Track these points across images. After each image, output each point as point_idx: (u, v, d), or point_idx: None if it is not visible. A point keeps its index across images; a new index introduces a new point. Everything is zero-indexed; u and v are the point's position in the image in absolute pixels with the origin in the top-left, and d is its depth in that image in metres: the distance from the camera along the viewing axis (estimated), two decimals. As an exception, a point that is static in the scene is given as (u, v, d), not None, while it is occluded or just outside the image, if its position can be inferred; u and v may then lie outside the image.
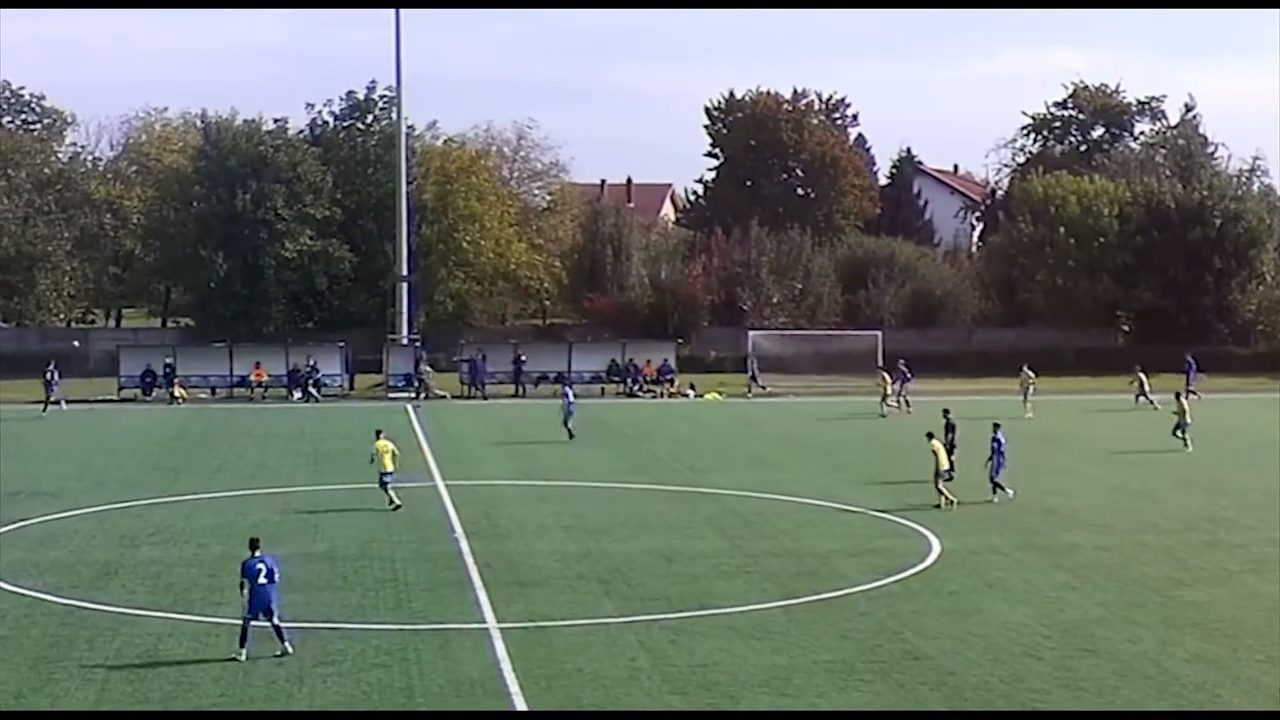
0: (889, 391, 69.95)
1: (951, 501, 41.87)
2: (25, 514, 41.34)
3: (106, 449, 56.86)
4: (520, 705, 23.83)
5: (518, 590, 31.80)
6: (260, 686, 24.72)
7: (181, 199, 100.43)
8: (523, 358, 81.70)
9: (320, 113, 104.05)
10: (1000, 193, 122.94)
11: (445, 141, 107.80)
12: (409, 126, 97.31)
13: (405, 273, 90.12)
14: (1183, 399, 56.50)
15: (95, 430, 63.51)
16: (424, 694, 24.43)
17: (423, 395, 78.04)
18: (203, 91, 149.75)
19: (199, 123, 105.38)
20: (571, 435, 58.45)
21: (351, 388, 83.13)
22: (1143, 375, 72.14)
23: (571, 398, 61.49)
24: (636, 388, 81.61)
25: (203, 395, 79.05)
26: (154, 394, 77.60)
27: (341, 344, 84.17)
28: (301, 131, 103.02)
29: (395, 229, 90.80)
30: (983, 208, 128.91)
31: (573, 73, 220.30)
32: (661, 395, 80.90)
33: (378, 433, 43.80)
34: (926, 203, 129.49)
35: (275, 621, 26.40)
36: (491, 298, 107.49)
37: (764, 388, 78.08)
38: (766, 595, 31.48)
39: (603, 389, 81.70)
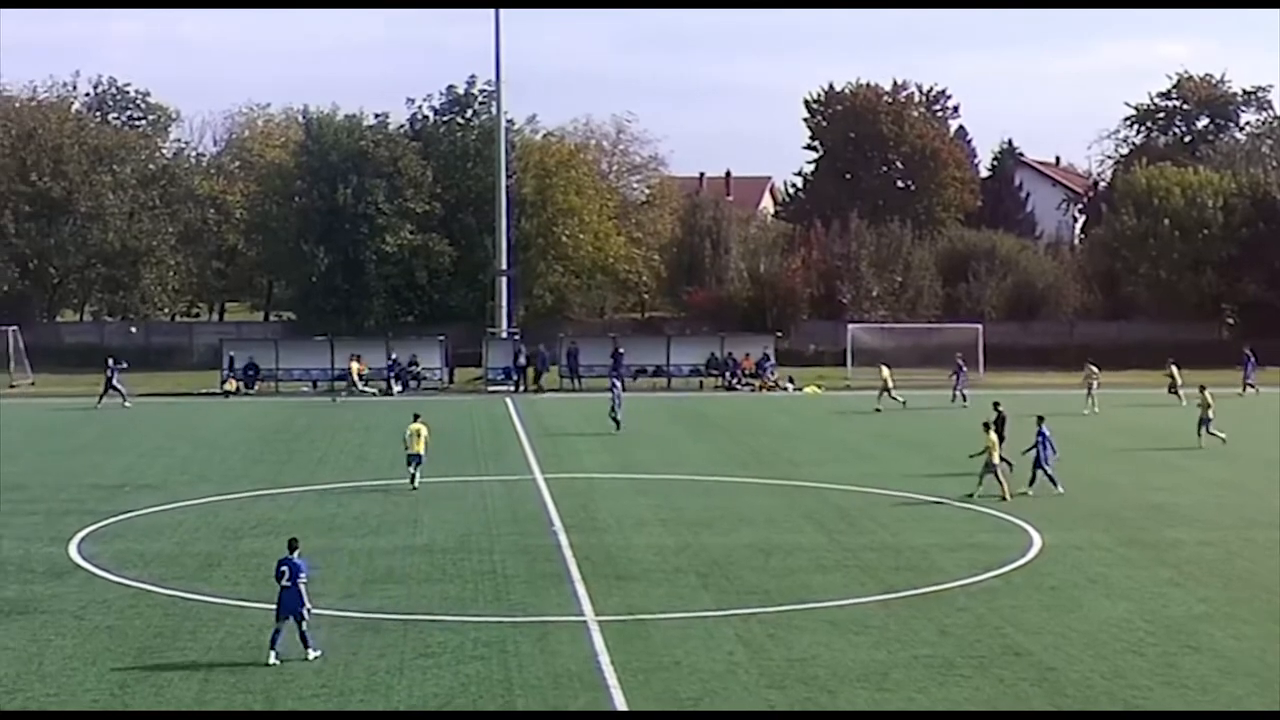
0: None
1: (1004, 494, 41.96)
2: (130, 506, 41.85)
3: (209, 442, 57.43)
4: (618, 698, 23.87)
5: (616, 583, 31.86)
6: (360, 678, 24.89)
7: (283, 194, 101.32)
8: (621, 351, 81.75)
9: (420, 108, 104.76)
10: (1103, 185, 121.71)
11: (544, 135, 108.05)
12: (508, 121, 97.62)
13: (505, 266, 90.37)
14: (1207, 392, 54.89)
15: (198, 423, 64.14)
16: (522, 686, 24.51)
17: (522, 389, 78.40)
18: (305, 87, 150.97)
19: (301, 118, 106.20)
20: (619, 426, 58.86)
21: (451, 381, 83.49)
22: (1175, 369, 70.85)
23: (620, 389, 62.22)
24: (735, 381, 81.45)
25: (304, 389, 79.65)
26: (256, 387, 78.27)
27: (441, 337, 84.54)
28: (402, 126, 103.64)
29: (495, 223, 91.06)
30: (1085, 200, 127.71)
31: (672, 66, 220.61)
32: (760, 389, 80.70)
33: (415, 415, 45.70)
34: (1028, 195, 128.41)
35: (303, 627, 25.85)
36: (590, 291, 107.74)
37: (900, 401, 74.35)
38: (865, 590, 31.36)
39: (701, 382, 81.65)
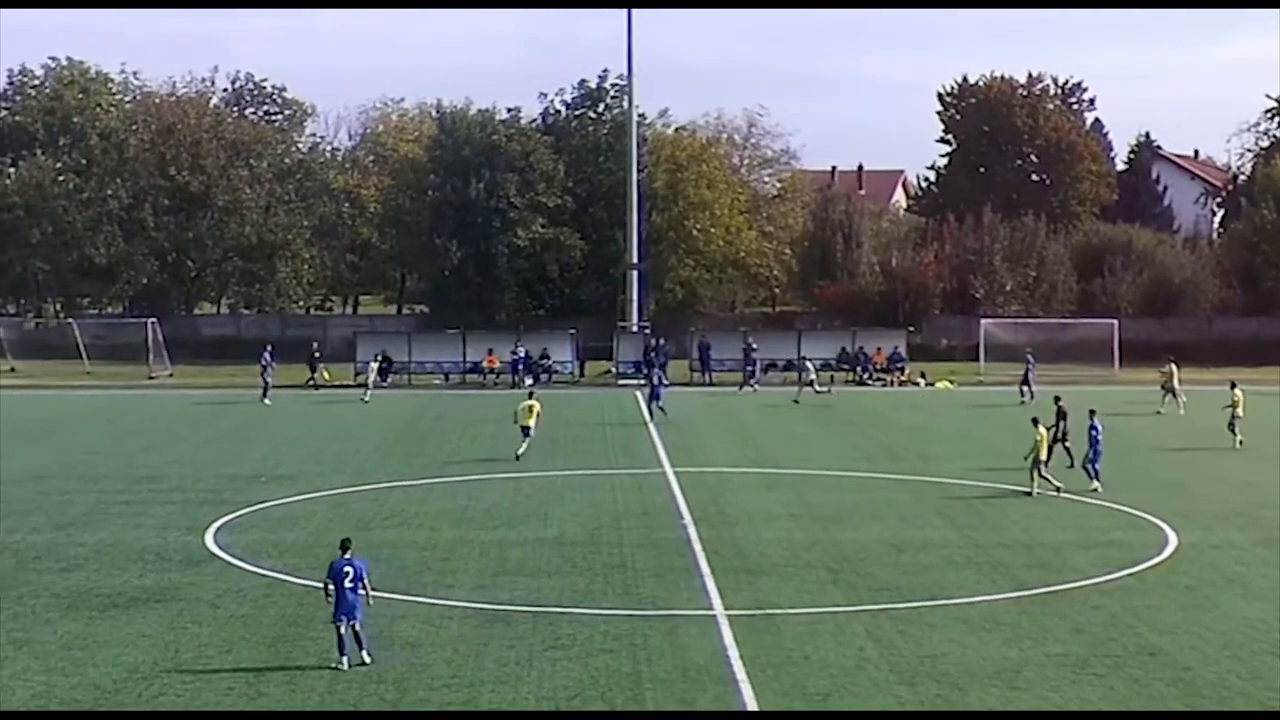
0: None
1: (1058, 489, 41.82)
2: (265, 496, 42.35)
3: (343, 434, 57.99)
4: (747, 692, 23.81)
5: (745, 577, 31.79)
6: (491, 669, 25.01)
7: (417, 188, 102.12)
8: (753, 345, 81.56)
9: (553, 102, 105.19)
10: (1242, 178, 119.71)
11: (676, 129, 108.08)
12: (640, 115, 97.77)
13: (636, 260, 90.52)
14: (1237, 390, 53.79)
15: (332, 415, 64.79)
16: (651, 680, 24.52)
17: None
18: (438, 82, 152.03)
19: (434, 113, 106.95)
20: (652, 416, 59.61)
21: (582, 374, 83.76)
22: (1174, 367, 69.46)
23: (663, 379, 63.48)
24: (866, 376, 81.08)
25: (436, 381, 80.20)
26: (389, 380, 78.89)
27: (572, 331, 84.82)
28: (534, 120, 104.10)
29: (626, 217, 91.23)
30: (1224, 193, 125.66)
31: (805, 59, 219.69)
32: (892, 383, 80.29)
33: (530, 393, 50.19)
34: (1165, 188, 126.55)
35: (356, 628, 25.38)
36: (721, 285, 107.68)
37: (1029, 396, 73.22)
38: (997, 587, 31.09)
39: (832, 377, 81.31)
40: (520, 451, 48.93)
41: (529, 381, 78.59)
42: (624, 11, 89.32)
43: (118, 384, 79.65)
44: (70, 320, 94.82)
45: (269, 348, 73.49)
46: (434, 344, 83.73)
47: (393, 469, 48.05)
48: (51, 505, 41.14)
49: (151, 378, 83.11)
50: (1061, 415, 46.76)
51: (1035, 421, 43.10)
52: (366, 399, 69.33)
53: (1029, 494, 41.87)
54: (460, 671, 24.88)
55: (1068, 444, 46.19)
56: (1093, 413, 44.32)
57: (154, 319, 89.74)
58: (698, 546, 35.00)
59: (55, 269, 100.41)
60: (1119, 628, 27.70)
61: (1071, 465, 45.15)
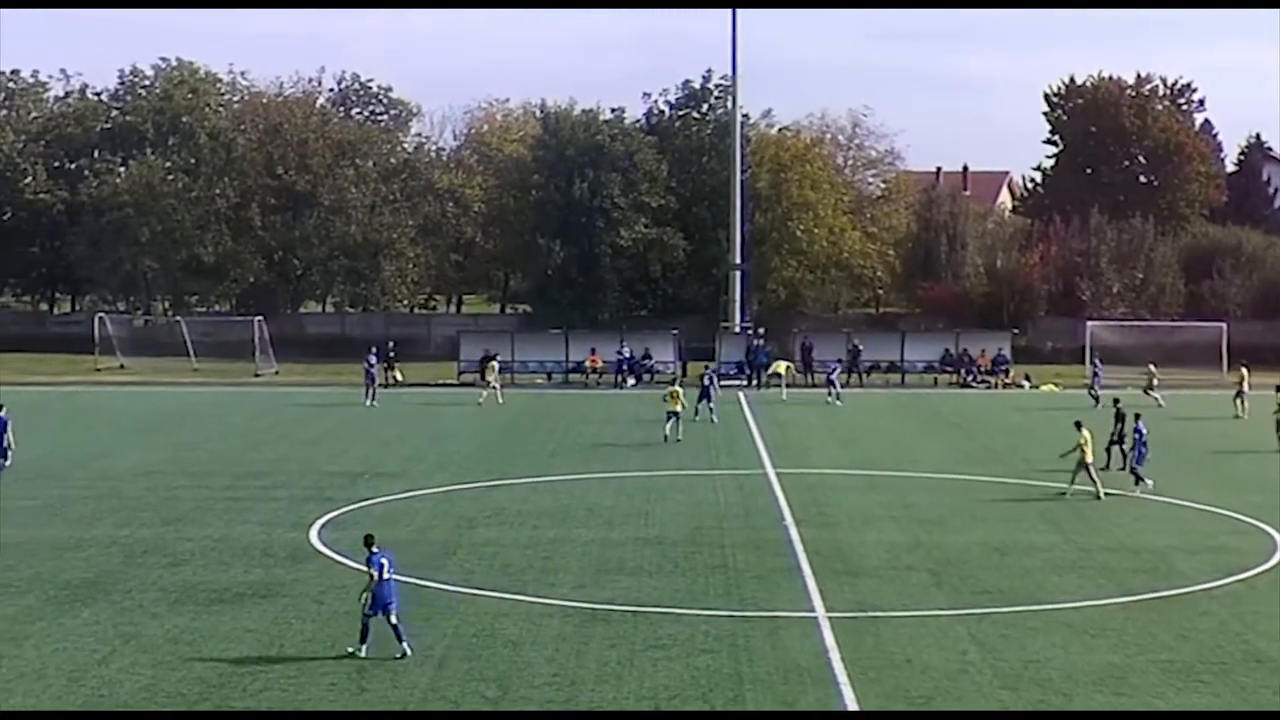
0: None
1: (1099, 494, 41.56)
2: (370, 494, 42.64)
3: (447, 432, 58.27)
4: (848, 695, 23.72)
5: (847, 579, 31.67)
6: (592, 668, 25.05)
7: (521, 188, 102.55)
8: (859, 346, 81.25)
9: (656, 102, 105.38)
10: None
11: (780, 129, 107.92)
12: (744, 115, 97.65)
13: (738, 261, 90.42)
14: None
15: (436, 414, 65.12)
16: (752, 681, 24.47)
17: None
18: (542, 82, 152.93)
19: (538, 113, 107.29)
20: (696, 414, 59.36)
21: (684, 374, 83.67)
22: (1153, 366, 68.39)
23: (716, 383, 63.80)
24: (970, 378, 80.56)
25: (539, 381, 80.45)
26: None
27: (674, 331, 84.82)
28: (638, 121, 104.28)
29: (729, 217, 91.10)
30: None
31: (910, 59, 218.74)
32: (996, 386, 79.74)
33: (673, 379, 52.38)
34: (1276, 190, 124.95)
35: (394, 620, 25.64)
36: (824, 286, 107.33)
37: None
38: (1102, 591, 30.78)
39: (935, 379, 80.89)
40: (669, 432, 53.56)
41: (631, 382, 78.75)
42: (729, 11, 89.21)
43: (224, 381, 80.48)
44: (178, 318, 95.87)
45: (374, 349, 73.92)
46: (537, 343, 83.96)
47: (495, 467, 48.23)
48: (159, 501, 41.64)
49: (257, 375, 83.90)
50: (1119, 418, 46.68)
51: (1079, 425, 42.96)
52: (483, 400, 68.79)
53: (1063, 494, 42.01)
54: (561, 670, 24.94)
55: (1124, 447, 45.87)
56: (1138, 416, 44.62)
57: (260, 317, 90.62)
58: (799, 547, 34.90)
59: (164, 267, 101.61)
60: (1226, 634, 27.36)
61: (1123, 468, 44.76)
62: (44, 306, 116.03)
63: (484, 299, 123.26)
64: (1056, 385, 79.43)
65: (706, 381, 63.09)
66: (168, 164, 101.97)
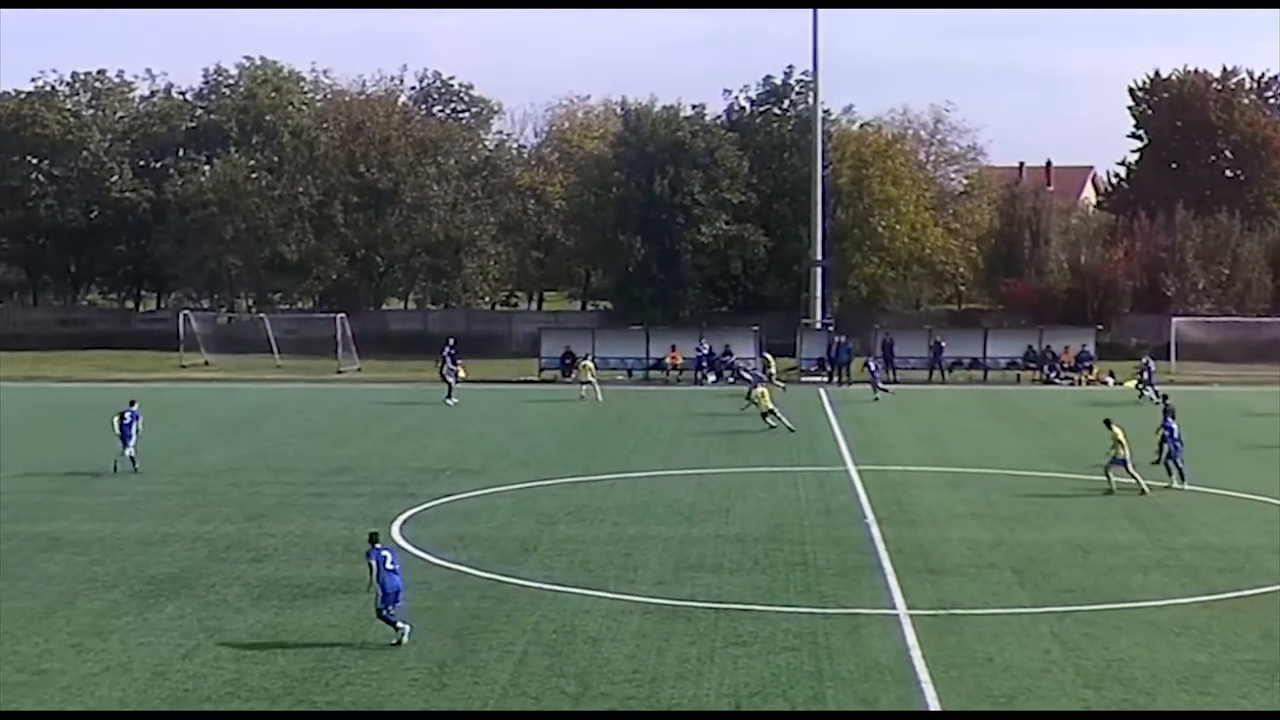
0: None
1: (1142, 489, 41.50)
2: (451, 490, 42.80)
3: (528, 429, 58.40)
4: (929, 693, 23.61)
5: (928, 577, 31.52)
6: (672, 664, 25.04)
7: (601, 185, 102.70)
8: (941, 343, 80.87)
9: (737, 98, 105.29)
10: None
11: (861, 125, 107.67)
12: (825, 111, 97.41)
13: (819, 257, 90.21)
14: None
15: (517, 410, 65.28)
16: (833, 678, 24.40)
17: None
18: (623, 79, 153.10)
19: (619, 110, 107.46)
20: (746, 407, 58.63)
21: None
22: (1149, 361, 68.01)
23: (760, 377, 64.82)
24: (1053, 375, 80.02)
25: (619, 377, 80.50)
26: (572, 375, 79.28)
27: (755, 328, 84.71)
28: (719, 117, 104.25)
29: (810, 213, 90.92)
30: None
31: (992, 54, 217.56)
32: (1079, 383, 79.17)
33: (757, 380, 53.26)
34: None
35: (397, 607, 26.24)
36: (906, 282, 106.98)
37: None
38: (1186, 590, 30.50)
39: (1018, 375, 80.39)
40: (775, 424, 55.03)
41: (712, 379, 78.70)
42: (809, 11, 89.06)
43: (307, 378, 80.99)
44: (262, 315, 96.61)
45: (450, 344, 74.06)
46: (618, 340, 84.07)
47: (576, 464, 48.30)
48: (243, 497, 41.97)
49: (340, 372, 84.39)
50: (1169, 414, 46.26)
51: (1108, 422, 42.95)
52: (585, 395, 68.84)
53: (1109, 491, 41.77)
54: (642, 667, 24.95)
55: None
56: (1168, 413, 44.85)
57: (343, 314, 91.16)
58: (880, 545, 34.76)
59: (248, 265, 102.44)
60: (1313, 634, 27.05)
61: (1157, 461, 44.31)
62: (130, 304, 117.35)
63: (565, 296, 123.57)
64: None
65: (752, 379, 63.85)
66: (251, 162, 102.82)
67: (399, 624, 26.19)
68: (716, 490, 42.92)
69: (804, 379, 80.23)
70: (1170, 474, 43.10)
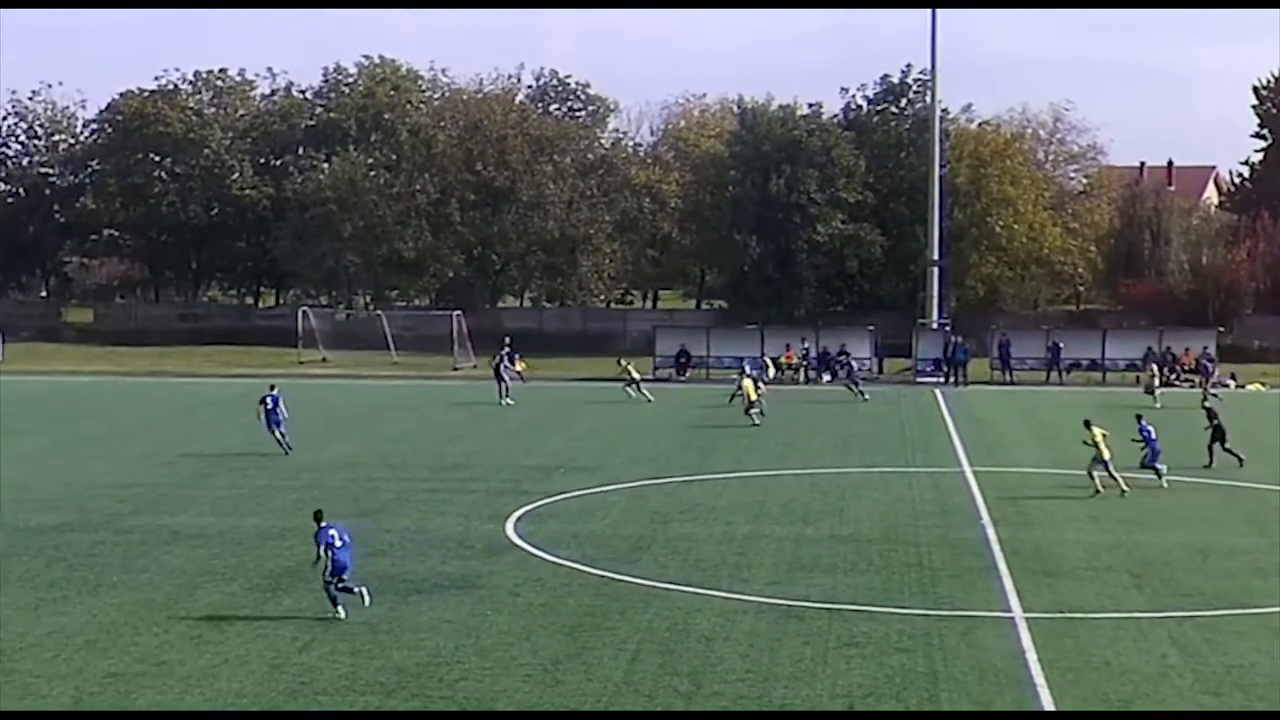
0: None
1: (1123, 490, 41.36)
2: (564, 487, 42.94)
3: (641, 427, 58.48)
4: (1044, 696, 23.37)
5: (1045, 579, 31.21)
6: (785, 665, 24.96)
7: (717, 183, 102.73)
8: (1059, 344, 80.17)
9: (854, 97, 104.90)
10: None
11: (979, 124, 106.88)
12: (943, 109, 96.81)
13: (936, 257, 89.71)
14: None
15: (630, 409, 65.38)
16: (947, 680, 24.23)
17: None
18: (740, 77, 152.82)
19: (735, 108, 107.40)
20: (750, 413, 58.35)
21: (880, 371, 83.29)
22: (1155, 368, 68.18)
23: (757, 372, 66.44)
24: (1174, 377, 79.06)
25: (733, 376, 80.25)
26: (687, 374, 79.36)
27: (870, 327, 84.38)
28: (835, 116, 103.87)
29: (927, 213, 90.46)
30: None
31: (1113, 52, 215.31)
32: (1199, 385, 78.12)
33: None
34: None
35: (346, 581, 27.65)
36: (1023, 283, 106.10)
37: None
38: (1308, 596, 30.03)
39: (1137, 377, 79.47)
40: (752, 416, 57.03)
41: (827, 378, 78.50)
42: (929, 11, 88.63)
43: (423, 375, 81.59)
44: (379, 312, 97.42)
45: (508, 342, 74.26)
46: (732, 339, 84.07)
47: (689, 462, 48.30)
48: (360, 492, 42.33)
49: (456, 369, 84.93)
50: (1212, 417, 46.59)
51: (1088, 423, 42.58)
52: (632, 394, 68.92)
53: (1096, 492, 41.34)
54: (755, 666, 24.89)
55: (1227, 446, 46.52)
56: (1139, 416, 44.78)
57: (459, 311, 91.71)
58: (996, 547, 34.49)
59: (366, 262, 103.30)
60: None
61: (1209, 465, 45.21)
62: (249, 300, 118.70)
63: (679, 294, 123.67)
64: (1263, 385, 77.72)
65: (752, 369, 65.91)
66: (370, 160, 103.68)
67: (356, 590, 27.73)
68: (830, 490, 42.78)
69: (919, 379, 79.82)
70: (1160, 475, 42.89)
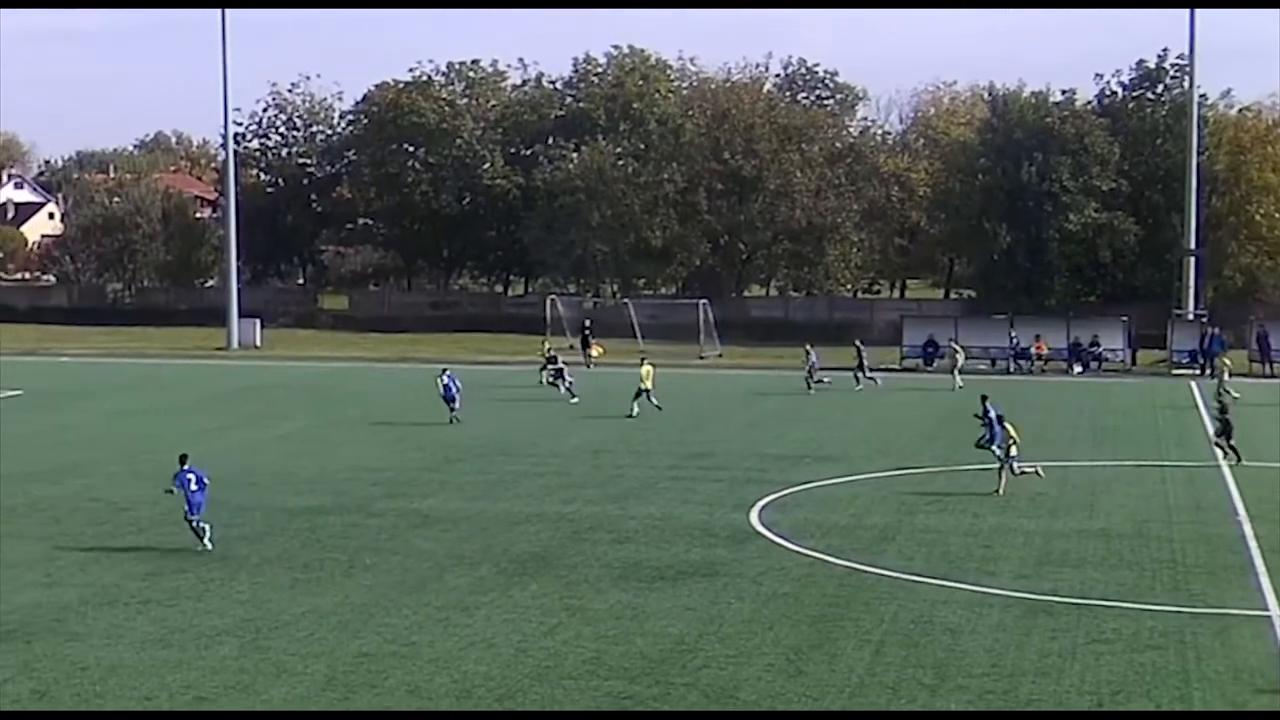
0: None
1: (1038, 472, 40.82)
2: (810, 477, 42.82)
3: (890, 417, 58.08)
4: (1303, 699, 22.74)
5: (1305, 579, 30.35)
6: (1032, 660, 24.60)
7: (967, 171, 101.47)
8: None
9: (1109, 83, 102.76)
10: None
11: (1239, 110, 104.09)
12: (1201, 95, 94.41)
13: (1193, 246, 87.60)
14: None
15: (878, 398, 64.93)
16: (1200, 679, 23.68)
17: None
18: (991, 64, 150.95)
19: (986, 95, 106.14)
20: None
21: (1134, 363, 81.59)
22: (1226, 360, 64.99)
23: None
24: None
25: (982, 366, 79.35)
26: (935, 364, 78.52)
27: (1124, 318, 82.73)
28: (1089, 102, 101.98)
29: (1184, 201, 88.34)
30: None
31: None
32: None
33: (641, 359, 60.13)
34: None
35: (201, 523, 32.07)
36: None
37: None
38: None
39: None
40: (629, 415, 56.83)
41: (1078, 369, 77.18)
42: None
43: (669, 363, 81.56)
44: (626, 300, 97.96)
45: (587, 324, 74.54)
46: (981, 329, 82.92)
47: (937, 454, 47.86)
48: (606, 478, 42.67)
49: (702, 358, 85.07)
50: (1224, 411, 45.75)
51: (999, 419, 41.46)
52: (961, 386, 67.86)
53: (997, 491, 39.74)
54: (1000, 661, 24.57)
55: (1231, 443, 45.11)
56: (984, 398, 42.96)
57: (705, 300, 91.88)
58: (1253, 544, 33.61)
59: (613, 250, 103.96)
60: None
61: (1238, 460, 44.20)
62: (499, 288, 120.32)
63: (928, 284, 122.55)
64: None
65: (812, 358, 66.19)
66: (618, 150, 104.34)
67: (202, 529, 32.08)
68: (1080, 484, 42.07)
69: (1175, 371, 78.06)
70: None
